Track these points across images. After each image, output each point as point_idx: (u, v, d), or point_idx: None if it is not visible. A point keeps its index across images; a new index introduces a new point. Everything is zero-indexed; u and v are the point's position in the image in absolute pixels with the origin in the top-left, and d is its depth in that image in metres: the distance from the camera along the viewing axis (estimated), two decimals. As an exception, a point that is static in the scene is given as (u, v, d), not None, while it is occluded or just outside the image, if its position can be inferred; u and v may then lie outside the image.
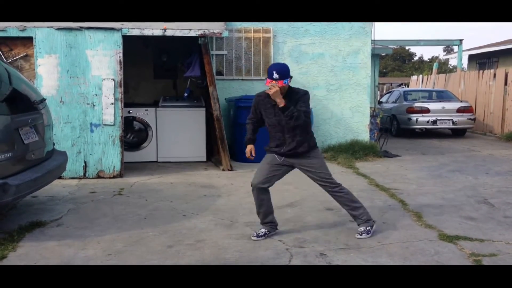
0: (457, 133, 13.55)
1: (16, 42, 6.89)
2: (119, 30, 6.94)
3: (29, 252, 4.07)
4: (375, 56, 12.13)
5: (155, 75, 9.77)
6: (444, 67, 36.90)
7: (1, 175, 4.08)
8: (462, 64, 21.41)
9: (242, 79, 9.41)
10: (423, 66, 43.22)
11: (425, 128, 13.12)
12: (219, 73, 9.30)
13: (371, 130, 9.82)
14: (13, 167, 4.32)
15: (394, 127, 13.70)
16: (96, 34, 6.91)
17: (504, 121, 13.49)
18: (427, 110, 12.98)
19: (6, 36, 6.77)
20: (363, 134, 9.63)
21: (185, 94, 8.70)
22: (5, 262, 3.86)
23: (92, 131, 7.00)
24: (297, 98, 4.32)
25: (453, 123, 12.97)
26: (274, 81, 4.22)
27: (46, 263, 3.84)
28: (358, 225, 4.56)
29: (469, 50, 21.37)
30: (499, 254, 4.06)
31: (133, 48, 8.45)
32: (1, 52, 6.81)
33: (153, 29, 7.06)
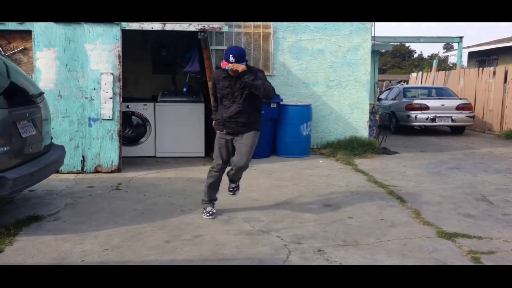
0: (456, 130, 13.54)
1: (15, 35, 6.86)
2: (118, 24, 6.90)
3: (26, 246, 4.05)
4: (375, 52, 12.09)
5: (154, 70, 9.74)
6: (443, 65, 36.87)
7: (-2, 169, 4.06)
8: (462, 61, 21.39)
9: (242, 75, 9.36)
10: (422, 64, 43.18)
11: (424, 125, 13.11)
12: (219, 68, 9.25)
13: (370, 126, 9.80)
14: (11, 161, 4.31)
15: (393, 124, 13.69)
16: (95, 28, 6.87)
17: (503, 118, 13.48)
18: (426, 107, 12.97)
19: (4, 29, 6.73)
20: (362, 130, 9.61)
21: (184, 89, 8.68)
22: (1, 256, 3.85)
23: (90, 125, 6.97)
24: (255, 72, 4.79)
25: (452, 120, 12.96)
26: (229, 64, 4.65)
27: (43, 258, 3.82)
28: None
29: (469, 47, 21.35)
30: (498, 252, 4.06)
31: (132, 43, 8.41)
32: (0, 45, 6.78)
33: (152, 23, 7.03)
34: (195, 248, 4.09)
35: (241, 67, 4.64)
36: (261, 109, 5.03)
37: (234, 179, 5.22)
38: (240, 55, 4.67)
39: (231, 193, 5.32)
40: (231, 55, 4.62)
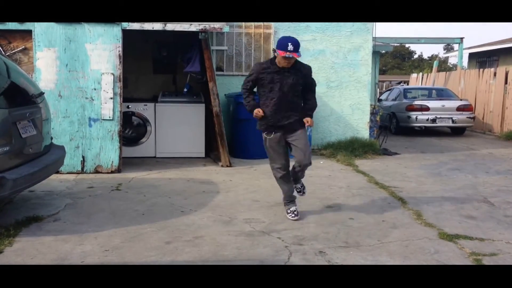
0: (457, 131, 13.53)
1: (15, 35, 6.84)
2: (119, 24, 6.89)
3: (26, 247, 4.03)
4: (375, 53, 12.10)
5: (154, 70, 9.71)
6: (444, 66, 36.87)
7: (-2, 169, 4.04)
8: (462, 62, 21.39)
9: (242, 75, 9.32)
10: (423, 64, 43.20)
11: (425, 126, 13.10)
12: (219, 68, 9.26)
13: (370, 127, 9.78)
14: (11, 161, 4.29)
15: (393, 125, 13.68)
16: (95, 28, 6.86)
17: (503, 120, 13.47)
18: (426, 108, 12.96)
19: (5, 28, 6.71)
20: (363, 131, 9.59)
21: (185, 90, 8.66)
22: (1, 256, 3.83)
23: (90, 125, 6.95)
24: (305, 73, 4.71)
25: (453, 121, 12.95)
26: (288, 53, 4.44)
27: (43, 258, 3.81)
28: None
29: (469, 48, 21.34)
30: (500, 254, 4.04)
31: (133, 43, 8.39)
32: (0, 45, 6.76)
33: (153, 23, 7.01)
34: (195, 249, 4.07)
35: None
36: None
37: (299, 178, 5.10)
38: (298, 45, 4.53)
39: (300, 193, 5.21)
40: (289, 43, 4.47)
